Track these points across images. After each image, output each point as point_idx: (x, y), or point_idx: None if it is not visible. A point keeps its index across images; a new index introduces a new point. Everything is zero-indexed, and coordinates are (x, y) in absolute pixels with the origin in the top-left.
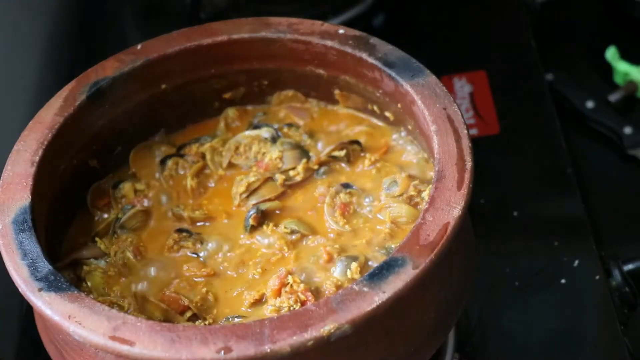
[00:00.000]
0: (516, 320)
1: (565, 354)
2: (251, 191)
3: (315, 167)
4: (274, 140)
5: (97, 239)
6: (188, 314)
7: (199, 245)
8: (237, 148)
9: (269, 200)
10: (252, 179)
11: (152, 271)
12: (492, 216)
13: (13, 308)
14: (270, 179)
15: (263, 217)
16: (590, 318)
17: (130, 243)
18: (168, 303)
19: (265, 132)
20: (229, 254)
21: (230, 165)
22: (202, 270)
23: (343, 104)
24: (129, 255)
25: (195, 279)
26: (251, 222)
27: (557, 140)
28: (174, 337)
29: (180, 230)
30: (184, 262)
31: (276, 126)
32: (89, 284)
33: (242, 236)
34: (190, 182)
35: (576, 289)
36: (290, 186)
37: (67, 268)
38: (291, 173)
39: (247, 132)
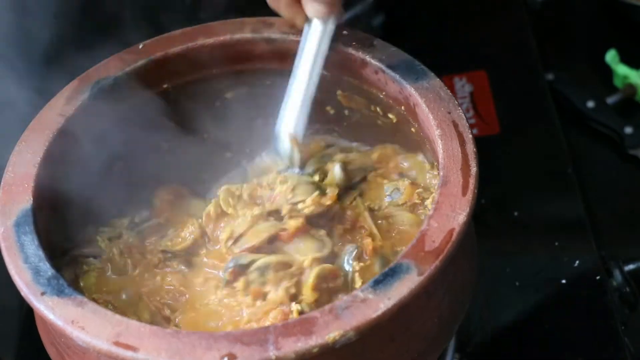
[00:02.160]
0: (516, 320)
1: (565, 354)
2: (236, 238)
3: (328, 202)
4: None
5: (98, 237)
6: (172, 323)
7: (182, 267)
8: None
9: (257, 247)
10: (237, 223)
11: (144, 276)
12: (492, 216)
13: (13, 309)
14: (259, 220)
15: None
16: (590, 318)
17: (131, 244)
18: (157, 308)
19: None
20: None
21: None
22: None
23: (346, 105)
24: (120, 259)
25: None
26: (226, 276)
27: (557, 140)
28: (177, 343)
29: (165, 252)
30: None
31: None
32: (81, 283)
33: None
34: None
35: (576, 289)
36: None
37: (68, 266)
38: (299, 205)
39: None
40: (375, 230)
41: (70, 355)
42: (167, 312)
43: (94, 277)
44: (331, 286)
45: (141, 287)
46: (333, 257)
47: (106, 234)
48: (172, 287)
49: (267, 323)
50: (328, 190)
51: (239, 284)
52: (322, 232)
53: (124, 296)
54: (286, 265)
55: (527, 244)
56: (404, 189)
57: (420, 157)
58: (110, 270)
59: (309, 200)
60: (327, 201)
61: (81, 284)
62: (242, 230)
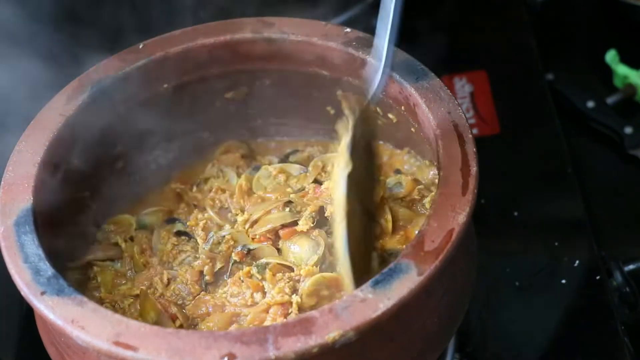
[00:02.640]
0: (516, 320)
1: (565, 354)
2: (252, 222)
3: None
4: None
5: (118, 237)
6: (177, 322)
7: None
8: (324, 166)
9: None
10: (254, 209)
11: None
12: (492, 216)
13: (13, 308)
14: (273, 209)
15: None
16: (590, 318)
17: (147, 239)
18: (164, 306)
19: None
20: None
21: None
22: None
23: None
24: (140, 257)
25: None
26: (234, 257)
27: (557, 140)
28: (177, 343)
29: (179, 233)
30: (183, 268)
31: None
32: (99, 279)
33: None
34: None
35: (576, 289)
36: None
37: (77, 269)
38: None
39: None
40: (389, 217)
41: (70, 355)
42: (173, 309)
43: (110, 275)
44: (337, 295)
45: (150, 286)
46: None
47: (122, 235)
48: (185, 280)
49: (268, 319)
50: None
51: (243, 272)
52: (317, 232)
53: (132, 296)
54: (287, 268)
55: (527, 244)
56: (406, 183)
57: (407, 153)
58: (131, 269)
59: None
60: None
61: (99, 279)
62: (257, 217)
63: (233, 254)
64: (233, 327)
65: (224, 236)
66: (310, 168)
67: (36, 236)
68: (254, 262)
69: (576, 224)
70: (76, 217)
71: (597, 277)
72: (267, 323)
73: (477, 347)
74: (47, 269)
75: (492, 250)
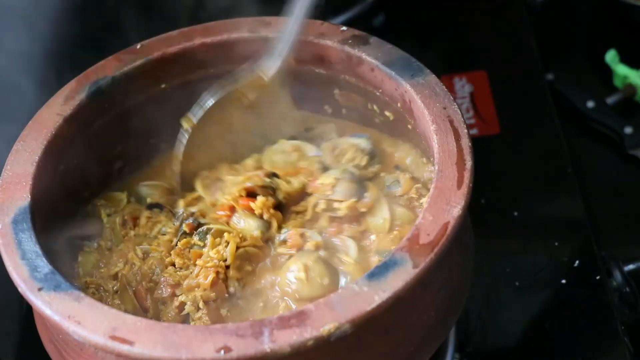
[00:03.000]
0: (516, 320)
1: (565, 354)
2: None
3: (363, 210)
4: (371, 156)
5: (102, 210)
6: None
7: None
8: (333, 149)
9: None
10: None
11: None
12: (492, 216)
13: (13, 308)
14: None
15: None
16: (590, 318)
17: (128, 213)
18: (139, 299)
19: (364, 143)
20: None
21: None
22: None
23: (344, 104)
24: (122, 229)
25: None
26: (184, 228)
27: (557, 140)
28: (173, 337)
29: (151, 206)
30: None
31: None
32: (79, 259)
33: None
34: None
35: (576, 289)
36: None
37: (65, 251)
38: (335, 205)
39: (349, 139)
40: (388, 216)
41: (68, 351)
42: (148, 302)
43: (94, 258)
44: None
45: (126, 262)
46: None
47: (106, 209)
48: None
49: (200, 280)
50: (366, 195)
51: (181, 242)
52: (271, 213)
53: (112, 284)
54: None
55: (527, 244)
56: (404, 182)
57: (408, 145)
58: (111, 240)
59: (344, 205)
60: (362, 208)
61: (79, 259)
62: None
63: (183, 225)
64: (176, 302)
65: (193, 212)
66: (322, 152)
67: (33, 233)
68: (195, 231)
69: (576, 224)
70: (74, 216)
71: (597, 277)
72: (197, 292)
73: (477, 347)
74: (45, 266)
75: (492, 250)
